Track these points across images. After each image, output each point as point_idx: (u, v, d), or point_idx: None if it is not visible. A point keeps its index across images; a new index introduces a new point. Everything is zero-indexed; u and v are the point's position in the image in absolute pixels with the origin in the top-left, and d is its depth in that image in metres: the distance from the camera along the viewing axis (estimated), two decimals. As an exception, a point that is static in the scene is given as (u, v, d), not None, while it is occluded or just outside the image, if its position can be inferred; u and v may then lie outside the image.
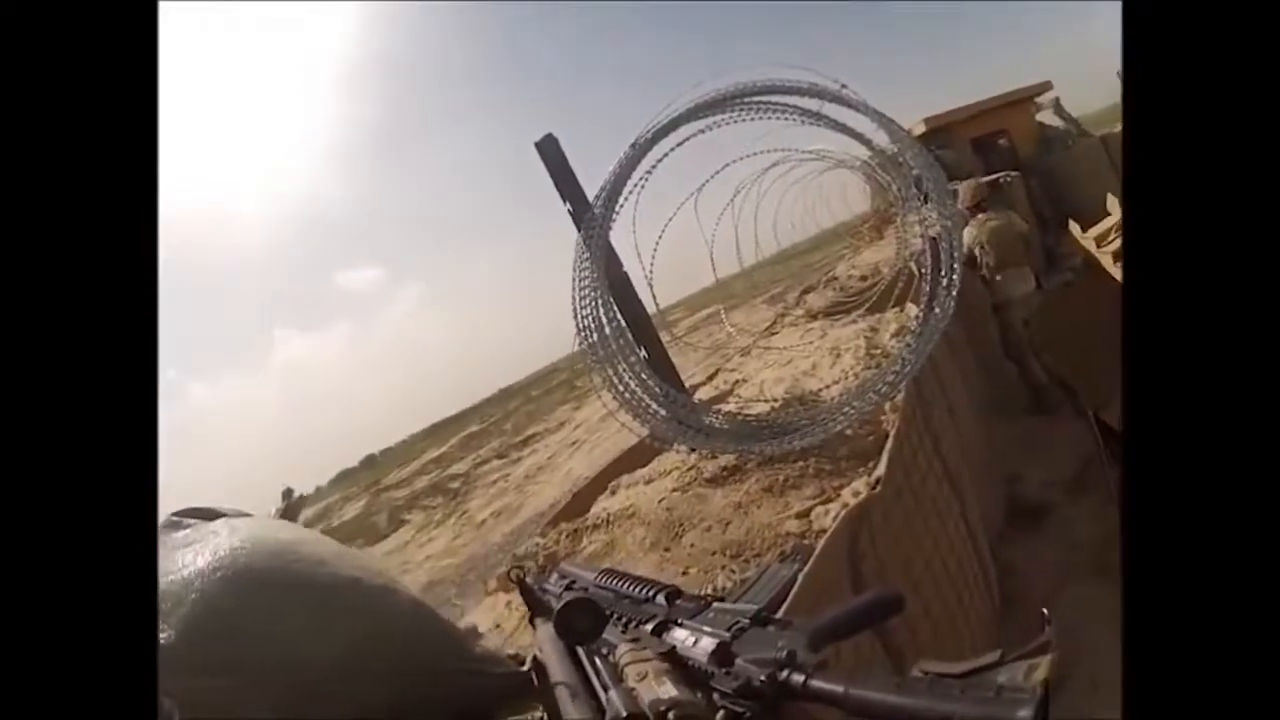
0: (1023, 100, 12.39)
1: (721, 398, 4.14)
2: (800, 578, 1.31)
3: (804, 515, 2.32)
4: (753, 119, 3.04)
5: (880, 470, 2.51)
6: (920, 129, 10.74)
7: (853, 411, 2.91)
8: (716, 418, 3.24)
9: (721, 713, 0.78)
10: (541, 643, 1.01)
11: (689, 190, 4.45)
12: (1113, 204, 6.89)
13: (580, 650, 0.94)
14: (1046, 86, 12.60)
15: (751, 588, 1.12)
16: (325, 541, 1.09)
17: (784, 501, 2.46)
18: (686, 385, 3.84)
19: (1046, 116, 12.59)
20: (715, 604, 0.98)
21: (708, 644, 0.85)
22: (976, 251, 5.96)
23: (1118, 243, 6.24)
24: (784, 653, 0.77)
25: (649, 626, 0.96)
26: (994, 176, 9.73)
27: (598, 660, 0.91)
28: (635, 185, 3.24)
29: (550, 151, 3.36)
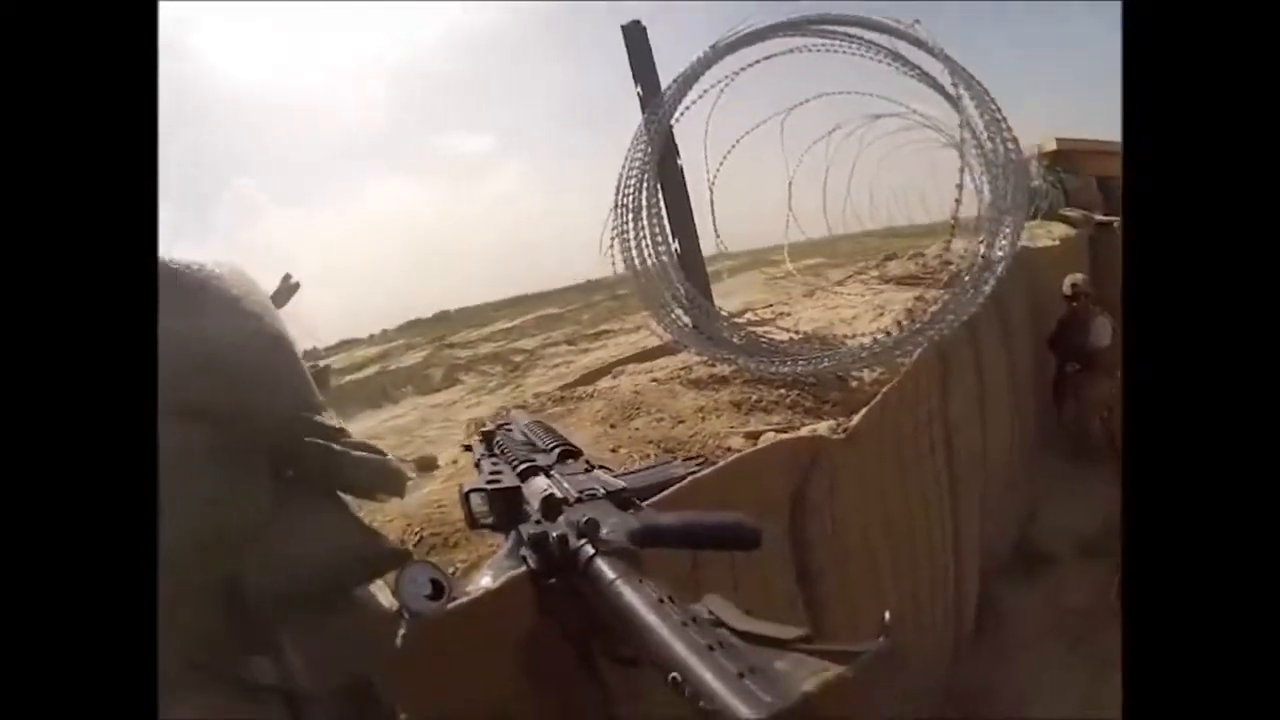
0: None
1: (759, 322, 4.16)
2: (692, 481, 1.38)
3: (754, 436, 2.31)
4: (840, 52, 2.95)
5: (854, 421, 2.47)
6: (1051, 145, 10.37)
7: (836, 359, 2.89)
8: (727, 328, 3.28)
9: (524, 567, 0.86)
10: None
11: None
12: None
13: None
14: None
15: (641, 472, 1.20)
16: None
17: (745, 419, 2.50)
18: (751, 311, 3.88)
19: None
20: (597, 471, 1.07)
21: (541, 492, 0.95)
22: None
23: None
24: (585, 521, 0.80)
25: (520, 469, 1.07)
26: (1109, 219, 9.51)
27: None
28: (717, 86, 3.25)
29: (635, 37, 3.47)
